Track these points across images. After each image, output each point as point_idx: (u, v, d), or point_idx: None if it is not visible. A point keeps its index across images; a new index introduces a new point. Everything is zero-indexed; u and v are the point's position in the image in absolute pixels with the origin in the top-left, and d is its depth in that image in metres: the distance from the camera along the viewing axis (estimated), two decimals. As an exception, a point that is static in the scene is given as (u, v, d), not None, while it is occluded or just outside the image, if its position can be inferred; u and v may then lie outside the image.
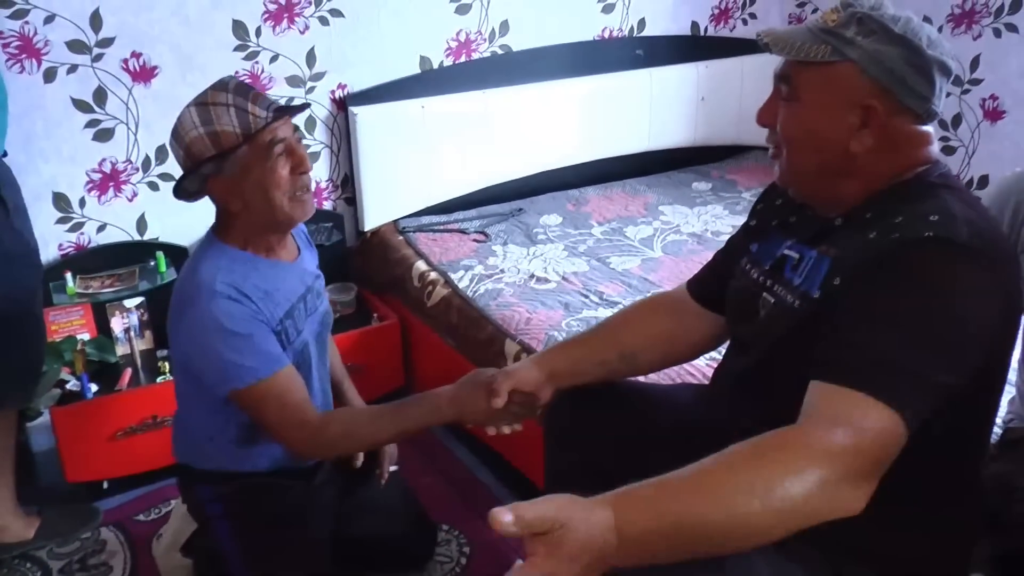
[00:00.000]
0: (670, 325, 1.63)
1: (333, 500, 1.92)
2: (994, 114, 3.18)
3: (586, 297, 2.56)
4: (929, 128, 1.28)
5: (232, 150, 1.58)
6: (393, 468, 2.06)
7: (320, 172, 3.05)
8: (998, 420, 1.76)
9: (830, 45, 1.23)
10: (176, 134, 1.61)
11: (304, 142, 2.90)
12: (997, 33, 3.11)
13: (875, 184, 1.26)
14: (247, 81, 1.64)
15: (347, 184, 3.11)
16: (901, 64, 1.21)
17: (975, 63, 3.20)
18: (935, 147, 1.29)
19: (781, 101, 1.31)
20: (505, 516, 1.01)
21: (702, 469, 1.07)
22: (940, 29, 3.28)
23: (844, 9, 1.25)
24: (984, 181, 3.23)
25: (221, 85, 1.61)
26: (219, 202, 1.67)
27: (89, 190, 2.67)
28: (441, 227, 3.09)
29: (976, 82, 3.21)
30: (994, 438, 1.74)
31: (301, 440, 1.67)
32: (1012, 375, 1.70)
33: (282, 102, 1.75)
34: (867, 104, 1.22)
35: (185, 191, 1.67)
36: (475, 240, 3.01)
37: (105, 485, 2.48)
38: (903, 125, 1.25)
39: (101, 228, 2.73)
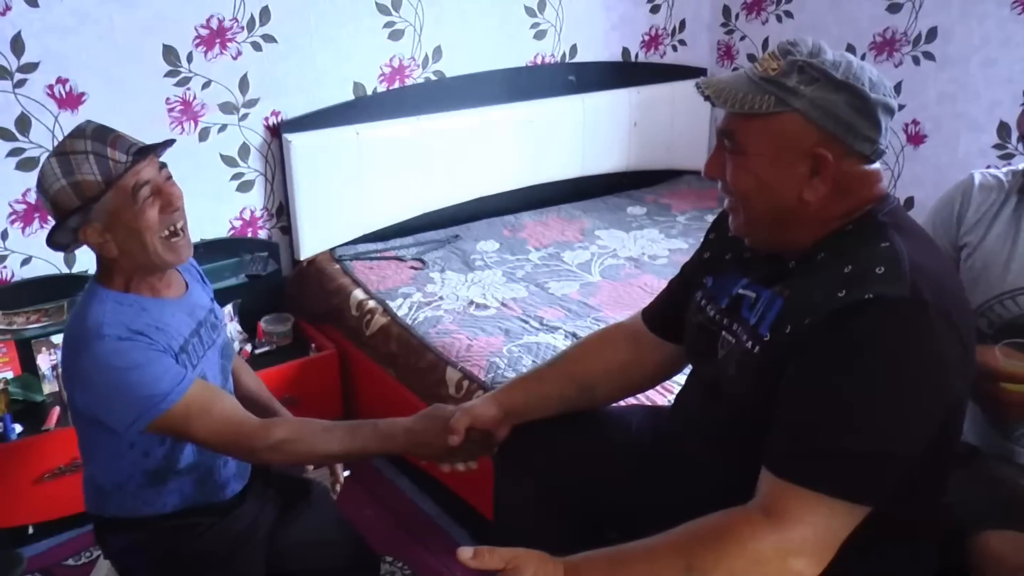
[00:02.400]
0: (628, 356, 1.63)
1: (263, 535, 1.87)
2: (916, 138, 3.29)
3: (526, 323, 2.56)
4: (877, 165, 1.28)
5: (96, 199, 1.53)
6: (346, 474, 2.01)
7: (255, 200, 3.00)
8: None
9: (773, 95, 1.21)
10: (40, 187, 1.56)
11: (238, 169, 2.89)
12: (916, 61, 3.22)
13: (829, 226, 1.26)
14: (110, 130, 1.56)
15: (282, 212, 3.06)
16: (847, 110, 1.20)
17: (897, 89, 3.31)
18: (884, 183, 1.29)
19: (728, 154, 1.28)
20: (468, 552, 1.15)
21: (653, 548, 1.17)
22: (863, 57, 3.39)
23: (783, 57, 1.23)
24: (910, 203, 3.34)
25: (79, 132, 1.57)
26: (94, 250, 1.61)
27: (12, 222, 2.58)
28: (378, 255, 3.06)
29: (899, 108, 3.31)
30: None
31: (240, 446, 1.63)
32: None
33: (181, 149, 1.68)
34: (816, 153, 1.21)
35: (58, 244, 1.62)
36: (412, 267, 2.98)
37: (31, 530, 2.38)
38: (853, 168, 1.23)
39: (26, 261, 2.63)
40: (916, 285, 1.14)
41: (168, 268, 1.68)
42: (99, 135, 1.56)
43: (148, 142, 1.60)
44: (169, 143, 1.66)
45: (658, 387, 1.86)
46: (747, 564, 1.14)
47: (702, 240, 1.57)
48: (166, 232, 1.60)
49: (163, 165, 1.63)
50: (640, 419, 1.65)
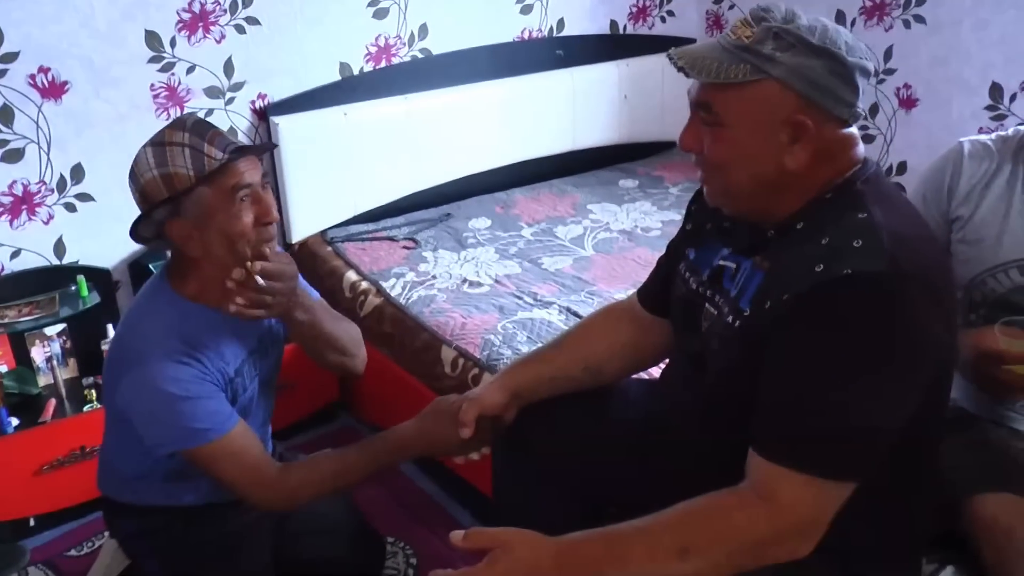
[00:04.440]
0: (632, 334, 1.62)
1: (270, 524, 1.87)
2: (908, 102, 3.27)
3: (520, 299, 2.55)
4: (854, 129, 1.26)
5: (185, 192, 1.50)
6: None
7: (243, 185, 2.98)
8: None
9: (749, 63, 1.19)
10: (132, 176, 1.53)
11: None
12: (907, 24, 3.19)
13: (809, 194, 1.25)
14: (204, 119, 1.52)
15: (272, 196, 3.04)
16: (825, 75, 1.18)
17: (888, 54, 3.29)
18: (862, 147, 1.28)
19: (704, 125, 1.25)
20: (460, 534, 1.18)
21: (647, 528, 1.17)
22: (853, 22, 3.36)
23: (757, 23, 1.20)
24: (903, 168, 3.32)
25: (178, 123, 1.53)
26: (177, 246, 1.57)
27: (0, 214, 2.57)
28: (369, 235, 3.05)
29: (890, 72, 3.30)
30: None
31: (260, 496, 1.61)
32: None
33: (244, 141, 1.63)
34: (796, 120, 1.19)
35: (142, 236, 1.58)
36: (405, 247, 2.97)
37: (32, 522, 2.38)
38: (832, 132, 1.22)
39: (15, 254, 2.61)
40: (895, 258, 1.12)
41: None
42: (198, 129, 1.52)
43: (247, 143, 1.55)
44: (270, 146, 1.61)
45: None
46: (742, 545, 1.16)
47: (685, 213, 1.56)
48: (258, 242, 1.54)
49: (265, 173, 1.59)
50: (637, 393, 1.65)
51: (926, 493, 1.34)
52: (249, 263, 1.54)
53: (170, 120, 1.55)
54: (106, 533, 1.90)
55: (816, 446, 1.14)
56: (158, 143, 1.51)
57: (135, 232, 1.58)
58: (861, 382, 1.12)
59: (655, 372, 1.98)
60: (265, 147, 1.60)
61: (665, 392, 1.57)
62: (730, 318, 1.28)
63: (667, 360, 1.66)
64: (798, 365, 1.16)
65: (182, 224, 1.53)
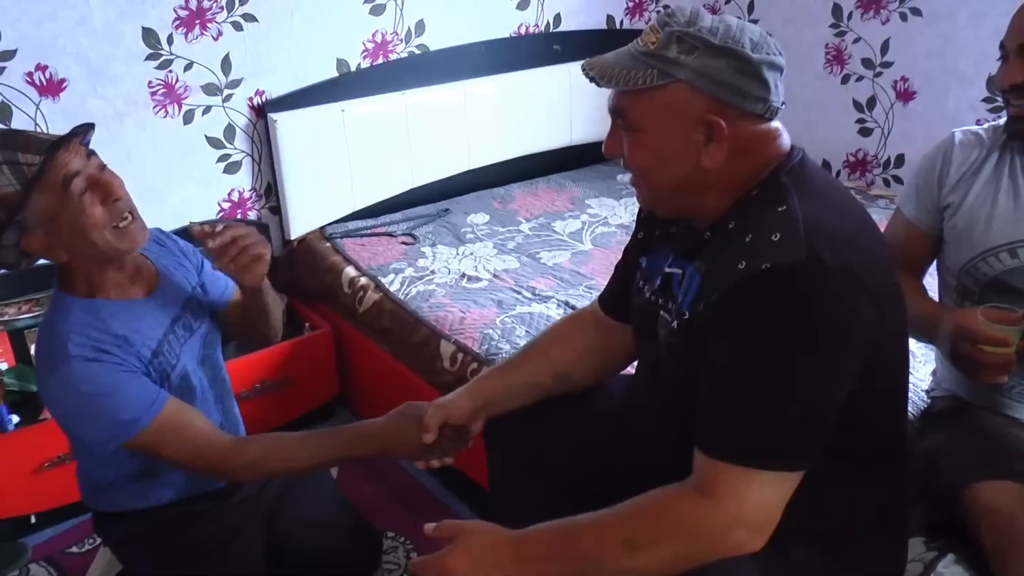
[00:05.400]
0: (598, 339, 1.63)
1: (261, 521, 1.87)
2: (905, 95, 3.28)
3: (519, 293, 2.56)
4: (775, 122, 1.26)
5: (21, 208, 1.44)
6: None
7: (242, 182, 2.99)
8: (922, 393, 1.82)
9: (655, 68, 1.20)
10: None
11: (224, 151, 2.87)
12: (903, 17, 3.20)
13: (736, 191, 1.25)
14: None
15: (270, 193, 3.05)
16: (731, 74, 1.19)
17: (885, 47, 3.29)
18: (785, 138, 1.28)
19: (622, 132, 1.27)
20: (431, 526, 1.30)
21: (598, 521, 1.22)
22: (850, 15, 3.37)
23: (661, 28, 1.22)
24: (900, 160, 3.33)
25: None
26: (45, 258, 1.53)
27: (-2, 212, 2.56)
28: (368, 231, 3.05)
29: (887, 65, 3.30)
30: (919, 410, 1.80)
31: (214, 468, 1.61)
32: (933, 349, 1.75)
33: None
34: (708, 120, 1.20)
35: (6, 263, 1.54)
36: (403, 243, 2.98)
37: (33, 519, 2.38)
38: (748, 128, 1.23)
39: (13, 251, 2.61)
40: (812, 247, 1.13)
41: (125, 256, 1.59)
42: (7, 141, 1.45)
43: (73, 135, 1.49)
44: (86, 127, 1.53)
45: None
46: (685, 539, 1.18)
47: (636, 221, 1.57)
48: (115, 224, 1.51)
49: (92, 153, 1.52)
50: (620, 389, 1.66)
51: (900, 473, 1.35)
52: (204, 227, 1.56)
53: None
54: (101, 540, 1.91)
55: (749, 439, 1.15)
56: None
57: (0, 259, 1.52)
58: (786, 374, 1.14)
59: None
60: (78, 130, 1.51)
61: (632, 397, 1.58)
62: (674, 323, 1.30)
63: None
64: (726, 362, 1.18)
65: (36, 237, 1.48)
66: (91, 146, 1.54)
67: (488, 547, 1.23)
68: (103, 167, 1.52)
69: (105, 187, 1.49)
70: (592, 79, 1.26)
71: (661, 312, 1.36)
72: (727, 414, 1.17)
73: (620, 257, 1.62)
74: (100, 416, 1.51)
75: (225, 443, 1.61)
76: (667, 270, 1.36)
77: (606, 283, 1.60)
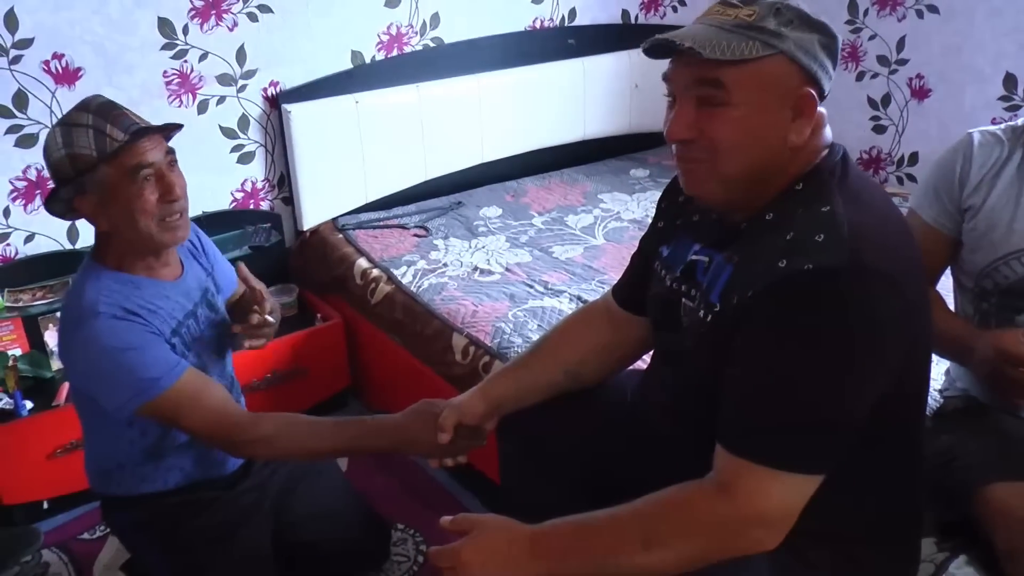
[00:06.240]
0: (609, 335, 1.62)
1: (269, 507, 1.88)
2: (921, 92, 3.26)
3: (531, 287, 2.56)
4: (823, 108, 1.26)
5: (88, 172, 1.54)
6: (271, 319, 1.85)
7: (256, 172, 2.99)
8: (934, 392, 1.81)
9: (757, 40, 1.18)
10: (45, 154, 1.58)
11: (238, 141, 2.88)
12: (920, 14, 3.18)
13: (788, 181, 1.24)
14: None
15: (283, 183, 3.06)
16: (818, 49, 1.20)
17: (901, 44, 3.28)
18: (828, 128, 1.28)
19: (706, 109, 1.21)
20: (448, 519, 1.27)
21: (615, 518, 1.21)
22: (866, 11, 3.36)
23: (753, 1, 1.20)
24: (914, 158, 3.31)
25: (84, 104, 1.57)
26: (89, 221, 1.62)
27: (14, 199, 2.57)
28: (380, 223, 3.05)
29: (903, 62, 3.29)
30: (932, 410, 1.79)
31: (227, 439, 1.63)
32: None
33: (149, 114, 1.65)
34: (802, 93, 1.19)
35: (53, 211, 1.63)
36: (415, 235, 2.98)
37: (45, 505, 2.40)
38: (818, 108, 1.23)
39: (29, 238, 2.63)
40: (856, 252, 1.12)
41: (163, 249, 1.66)
42: (103, 110, 1.55)
43: (155, 123, 1.58)
44: (175, 127, 1.64)
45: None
46: (703, 537, 1.18)
47: (655, 210, 1.56)
48: (164, 218, 1.59)
49: (171, 151, 1.62)
50: (633, 385, 1.65)
51: (914, 476, 1.34)
52: (258, 310, 1.73)
53: (80, 101, 1.59)
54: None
55: (774, 439, 1.14)
56: (66, 123, 1.56)
57: (48, 207, 1.62)
58: (819, 377, 1.13)
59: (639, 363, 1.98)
60: (168, 127, 1.62)
61: (646, 391, 1.57)
62: (702, 313, 1.29)
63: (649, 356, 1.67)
64: (759, 359, 1.16)
65: (89, 201, 1.58)
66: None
67: (504, 541, 1.23)
68: (174, 165, 1.62)
69: (168, 185, 1.58)
70: (689, 49, 1.17)
71: (683, 300, 1.35)
72: (755, 412, 1.16)
73: (636, 249, 1.61)
74: (123, 372, 1.54)
75: (242, 415, 1.65)
76: (692, 258, 1.35)
77: (618, 277, 1.59)
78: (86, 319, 1.54)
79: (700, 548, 1.18)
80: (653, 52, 1.26)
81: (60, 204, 1.60)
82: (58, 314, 2.49)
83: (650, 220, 3.00)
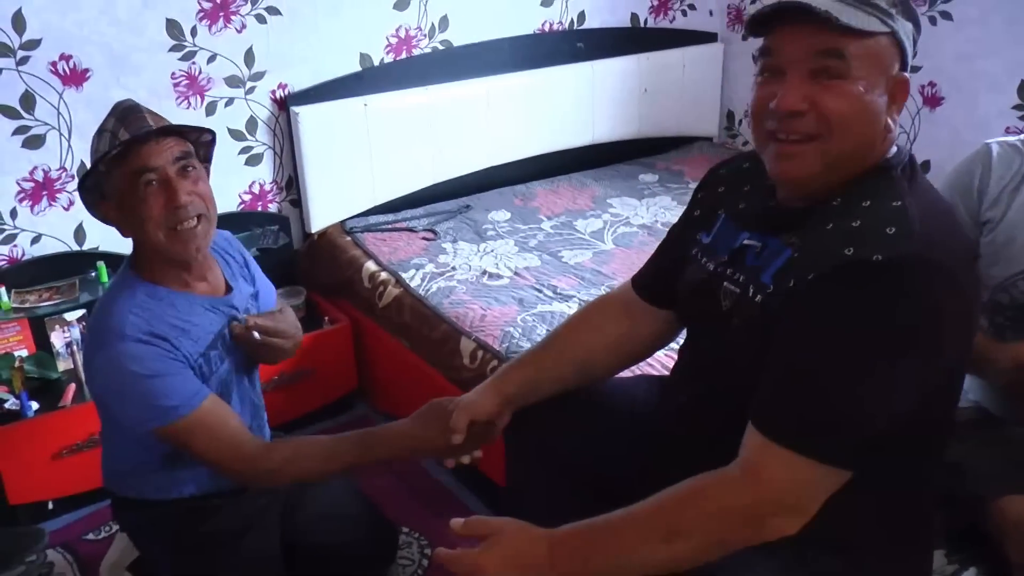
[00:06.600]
0: (622, 328, 1.60)
1: (277, 513, 1.87)
2: (933, 100, 3.24)
3: (540, 292, 2.54)
4: None
5: (105, 176, 1.54)
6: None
7: (264, 174, 2.99)
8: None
9: (875, 16, 1.16)
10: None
11: (246, 143, 2.87)
12: (933, 21, 3.16)
13: (862, 169, 1.22)
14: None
15: (291, 186, 3.05)
16: (909, 39, 1.20)
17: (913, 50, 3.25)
18: None
19: (821, 81, 1.17)
20: (459, 522, 1.25)
21: (633, 515, 1.19)
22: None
23: None
24: (926, 166, 3.29)
25: (113, 109, 1.56)
26: (115, 227, 1.62)
27: (20, 200, 2.57)
28: (389, 226, 3.05)
29: (915, 69, 3.27)
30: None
31: (240, 470, 1.62)
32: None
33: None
34: (901, 78, 1.20)
35: (96, 217, 1.63)
36: (424, 238, 2.97)
37: (50, 505, 2.40)
38: None
39: (36, 239, 2.62)
40: (927, 248, 1.11)
41: (182, 261, 1.62)
42: (124, 114, 1.53)
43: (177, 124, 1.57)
44: (202, 130, 1.61)
45: (669, 351, 1.84)
46: (725, 522, 1.15)
47: (690, 200, 1.55)
48: (171, 226, 1.55)
49: (186, 156, 1.57)
50: (645, 390, 1.63)
51: (934, 488, 1.32)
52: (245, 319, 1.67)
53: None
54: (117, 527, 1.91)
55: (817, 428, 1.12)
56: (98, 129, 1.56)
57: (90, 212, 1.63)
58: (874, 370, 1.10)
59: (647, 369, 1.96)
60: (192, 130, 1.59)
61: (676, 383, 1.54)
62: (751, 292, 1.26)
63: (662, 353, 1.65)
64: (813, 345, 1.14)
65: (108, 207, 1.58)
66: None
67: (522, 546, 1.21)
68: (188, 172, 1.56)
69: (171, 191, 1.53)
70: (826, 12, 1.14)
71: (726, 283, 1.32)
72: (798, 394, 1.14)
73: (663, 239, 1.60)
74: (140, 397, 1.53)
75: (255, 447, 1.62)
76: (745, 243, 1.32)
77: (623, 279, 1.57)
78: (111, 340, 1.52)
79: (721, 536, 1.16)
80: (759, 26, 1.22)
81: (93, 210, 1.61)
82: (65, 315, 2.50)
83: (660, 225, 3.03)
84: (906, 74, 1.20)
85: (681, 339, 1.60)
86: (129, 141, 1.50)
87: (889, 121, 1.21)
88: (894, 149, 1.25)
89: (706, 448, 1.27)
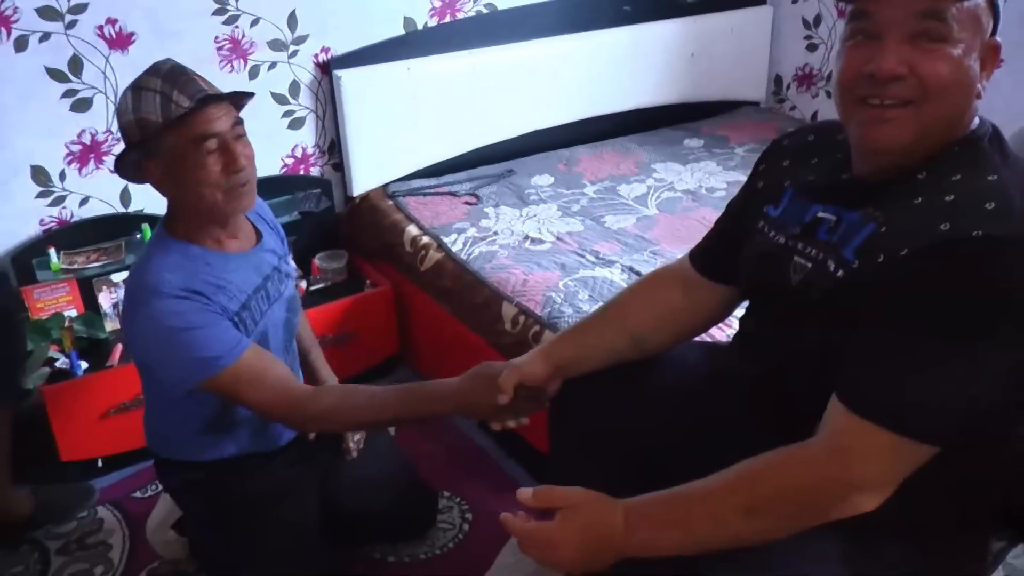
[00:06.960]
0: (678, 302, 1.57)
1: (317, 476, 1.89)
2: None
3: (582, 257, 2.52)
4: None
5: (154, 138, 1.53)
6: (357, 438, 1.99)
7: (306, 138, 2.99)
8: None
9: None
10: (117, 115, 1.59)
11: (288, 107, 2.88)
12: None
13: (948, 140, 1.18)
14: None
15: (334, 149, 3.05)
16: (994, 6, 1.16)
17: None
18: None
19: (921, 44, 1.13)
20: (527, 492, 1.21)
21: (710, 488, 1.16)
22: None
23: None
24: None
25: (155, 68, 1.56)
26: (156, 188, 1.63)
27: (69, 163, 2.60)
28: (431, 190, 3.04)
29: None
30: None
31: (289, 415, 1.64)
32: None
33: (232, 87, 1.64)
34: (994, 44, 1.16)
35: (122, 174, 1.64)
36: (466, 203, 2.96)
37: (100, 463, 2.45)
38: None
39: (84, 201, 2.66)
40: None
41: (229, 218, 1.66)
42: (172, 75, 1.54)
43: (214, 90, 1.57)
44: (244, 95, 1.63)
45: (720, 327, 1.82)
46: (807, 500, 1.13)
47: (751, 172, 1.51)
48: (227, 187, 1.59)
49: (239, 121, 1.60)
50: (696, 357, 1.61)
51: (1005, 472, 1.28)
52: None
53: (152, 64, 1.58)
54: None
55: (911, 406, 1.08)
56: (136, 87, 1.55)
57: (117, 169, 1.63)
58: (972, 348, 1.07)
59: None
60: (236, 95, 1.61)
61: (738, 356, 1.50)
62: (832, 267, 1.22)
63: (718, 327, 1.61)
64: (905, 319, 1.10)
65: (155, 167, 1.58)
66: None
67: (596, 516, 1.18)
68: (241, 136, 1.60)
69: (232, 155, 1.57)
70: None
71: (796, 257, 1.29)
72: (891, 373, 1.10)
73: (722, 214, 1.57)
74: (182, 351, 1.55)
75: (301, 391, 1.65)
76: (815, 216, 1.29)
77: (670, 248, 1.54)
78: (148, 298, 1.54)
79: (800, 512, 1.14)
80: None
81: (128, 168, 1.61)
82: (112, 276, 2.53)
83: (704, 191, 2.98)
84: (995, 41, 1.16)
85: (739, 312, 1.58)
86: (199, 104, 1.52)
87: (980, 88, 1.16)
88: (977, 120, 1.20)
89: (768, 422, 1.25)
